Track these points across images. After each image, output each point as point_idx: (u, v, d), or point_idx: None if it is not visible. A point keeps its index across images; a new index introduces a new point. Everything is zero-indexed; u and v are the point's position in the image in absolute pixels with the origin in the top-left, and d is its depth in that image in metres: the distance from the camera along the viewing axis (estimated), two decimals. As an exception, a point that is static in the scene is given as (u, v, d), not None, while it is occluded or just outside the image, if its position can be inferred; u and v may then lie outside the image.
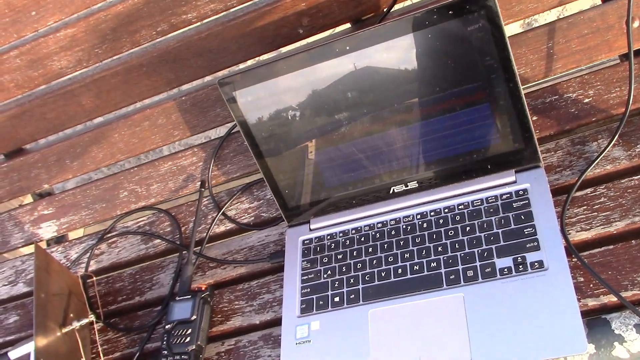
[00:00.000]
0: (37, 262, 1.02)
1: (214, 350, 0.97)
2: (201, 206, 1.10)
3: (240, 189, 1.12)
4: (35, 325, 0.94)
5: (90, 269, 1.17)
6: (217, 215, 1.10)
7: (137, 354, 1.02)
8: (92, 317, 1.01)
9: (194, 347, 0.94)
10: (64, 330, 1.01)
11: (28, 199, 1.31)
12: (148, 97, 1.12)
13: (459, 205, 0.91)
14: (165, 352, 0.95)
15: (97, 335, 1.03)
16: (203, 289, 0.99)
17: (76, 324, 1.02)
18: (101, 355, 1.02)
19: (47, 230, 1.24)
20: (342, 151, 0.96)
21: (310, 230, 1.00)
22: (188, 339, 0.94)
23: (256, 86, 0.92)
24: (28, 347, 1.01)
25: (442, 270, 0.86)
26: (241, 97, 0.93)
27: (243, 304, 1.00)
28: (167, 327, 0.97)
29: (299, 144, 0.96)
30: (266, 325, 0.96)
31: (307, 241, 0.99)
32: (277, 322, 0.95)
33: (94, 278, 1.12)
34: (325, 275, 0.94)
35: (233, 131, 1.12)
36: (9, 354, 1.01)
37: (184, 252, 1.10)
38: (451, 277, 0.85)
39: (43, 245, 1.27)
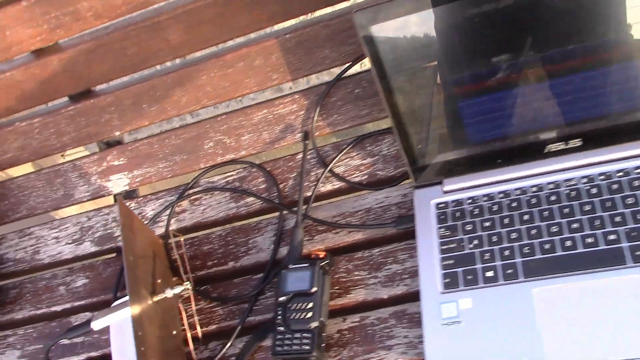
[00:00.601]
0: (122, 219, 0.88)
1: (335, 327, 0.84)
2: (306, 160, 0.96)
3: (350, 143, 0.97)
4: (130, 292, 0.81)
5: (170, 229, 1.03)
6: (323, 172, 0.96)
7: (239, 328, 0.89)
8: (188, 285, 0.88)
9: (316, 324, 0.81)
10: (156, 298, 0.88)
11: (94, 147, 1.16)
12: (245, 33, 0.97)
13: (636, 168, 0.78)
14: (282, 328, 0.82)
15: (194, 304, 0.90)
16: (321, 256, 0.85)
17: (170, 292, 0.88)
18: (198, 327, 0.89)
19: (117, 184, 1.10)
20: (492, 100, 0.81)
21: (444, 192, 0.86)
22: (309, 315, 0.81)
23: (398, 20, 0.78)
24: (113, 317, 0.87)
25: (625, 245, 0.73)
26: (378, 30, 0.79)
27: (365, 274, 0.86)
28: (280, 299, 0.84)
29: (440, 89, 0.82)
30: (396, 301, 0.83)
31: (442, 205, 0.85)
32: (410, 297, 0.82)
33: (182, 238, 0.98)
34: (470, 246, 0.80)
35: (346, 74, 0.97)
36: (92, 323, 0.87)
37: (284, 212, 0.96)
38: (637, 254, 0.72)
39: (109, 200, 1.13)
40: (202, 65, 1.00)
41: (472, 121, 0.83)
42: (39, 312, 1.05)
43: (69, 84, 1.03)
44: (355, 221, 0.92)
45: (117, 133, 1.07)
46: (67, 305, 1.04)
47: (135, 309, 0.81)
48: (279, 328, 0.82)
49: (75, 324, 0.91)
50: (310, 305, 0.81)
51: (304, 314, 0.81)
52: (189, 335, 0.88)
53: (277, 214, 0.98)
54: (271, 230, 0.96)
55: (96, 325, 0.88)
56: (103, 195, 1.11)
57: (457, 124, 0.83)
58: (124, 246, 0.85)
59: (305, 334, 0.81)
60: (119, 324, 0.89)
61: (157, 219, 1.05)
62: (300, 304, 0.82)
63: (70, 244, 1.09)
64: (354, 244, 0.90)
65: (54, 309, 1.04)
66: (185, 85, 1.01)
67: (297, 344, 0.80)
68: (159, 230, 1.04)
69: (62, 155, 1.60)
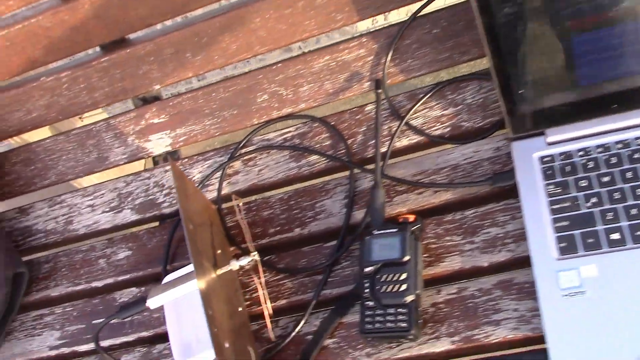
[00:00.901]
0: (177, 182, 0.76)
1: (428, 300, 0.74)
2: (380, 112, 0.84)
3: (428, 91, 0.86)
4: (195, 265, 0.70)
5: (222, 193, 0.92)
6: (399, 125, 0.85)
7: (313, 302, 0.79)
8: (255, 255, 0.77)
9: (412, 298, 0.70)
10: (220, 271, 0.77)
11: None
12: (306, -33, 0.84)
13: None
14: (371, 303, 0.71)
15: (262, 276, 0.79)
16: (411, 219, 0.74)
17: (235, 264, 0.77)
18: (268, 301, 0.78)
19: (158, 144, 0.98)
20: (611, 35, 0.70)
21: (548, 144, 0.75)
22: (404, 287, 0.70)
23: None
24: (172, 294, 0.77)
25: None
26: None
27: (459, 239, 0.76)
28: (366, 269, 0.73)
29: (549, 22, 0.70)
30: (499, 269, 0.73)
31: (548, 158, 0.74)
32: (515, 264, 0.72)
33: (241, 202, 0.86)
34: (588, 204, 0.69)
35: (421, 13, 0.85)
36: (148, 301, 0.77)
37: (355, 171, 0.85)
38: None
39: (149, 163, 1.01)
40: (255, 6, 0.88)
41: (586, 59, 0.71)
42: (77, 288, 0.94)
43: (101, 32, 0.91)
44: (440, 179, 0.80)
45: (157, 87, 0.95)
46: (110, 280, 0.93)
47: (202, 284, 0.70)
48: (367, 303, 0.72)
49: (126, 301, 0.81)
50: (404, 276, 0.71)
51: (397, 286, 0.71)
52: (265, 310, 0.77)
53: (346, 173, 0.86)
54: (341, 192, 0.85)
55: (153, 303, 0.77)
56: (142, 158, 1.00)
57: (568, 64, 0.72)
58: (183, 213, 0.74)
59: (400, 309, 0.70)
60: (173, 301, 0.79)
61: (206, 182, 0.93)
62: (391, 275, 0.71)
63: (107, 212, 0.98)
64: (442, 205, 0.79)
65: (94, 284, 0.93)
66: (235, 29, 0.89)
67: (391, 320, 0.70)
68: (209, 195, 0.93)
69: (80, 118, 1.48)
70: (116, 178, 1.00)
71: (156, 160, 1.06)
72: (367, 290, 0.72)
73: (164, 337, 0.84)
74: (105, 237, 0.98)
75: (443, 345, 0.71)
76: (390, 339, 0.72)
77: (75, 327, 0.91)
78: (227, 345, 0.69)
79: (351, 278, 0.79)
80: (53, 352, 0.91)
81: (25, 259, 1.00)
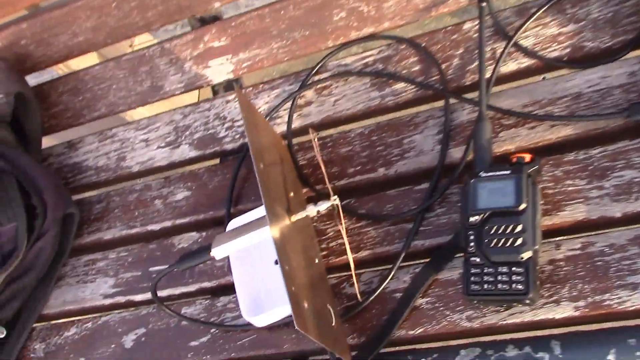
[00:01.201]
0: (245, 114, 0.65)
1: (544, 257, 0.61)
2: (483, 30, 0.70)
3: (543, 4, 0.71)
4: (267, 210, 0.59)
5: (292, 126, 0.80)
6: (506, 46, 0.71)
7: (402, 254, 0.67)
8: (336, 199, 0.65)
9: (530, 254, 0.58)
10: (294, 217, 0.66)
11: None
12: None
13: None
14: (477, 259, 0.59)
15: (342, 222, 0.67)
16: (527, 159, 0.61)
17: (312, 209, 0.66)
18: (349, 252, 0.67)
19: (218, 71, 0.87)
20: None
21: (703, 66, 0.60)
22: (519, 241, 0.58)
23: None
24: (241, 242, 0.66)
25: None
26: None
27: (583, 184, 0.62)
28: (472, 219, 0.60)
29: None
30: (636, 220, 0.60)
31: None
32: (658, 215, 0.58)
33: (316, 136, 0.74)
34: None
35: None
36: (213, 251, 0.66)
37: (451, 101, 0.72)
38: None
39: (206, 93, 0.90)
40: None
41: None
42: (132, 231, 0.85)
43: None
44: (559, 111, 0.66)
45: (217, 4, 0.82)
46: (167, 224, 0.83)
47: (275, 233, 0.59)
48: (472, 259, 0.60)
49: (187, 250, 0.71)
50: (520, 227, 0.58)
51: (512, 240, 0.58)
52: (351, 261, 0.66)
53: (439, 104, 0.73)
54: (434, 125, 0.72)
55: (218, 252, 0.67)
56: (200, 86, 0.88)
57: None
58: (253, 150, 0.62)
59: (514, 268, 0.58)
60: (240, 250, 0.69)
61: (274, 115, 0.81)
62: (503, 227, 0.59)
63: (163, 147, 0.88)
64: (561, 142, 0.66)
65: (150, 227, 0.84)
66: None
67: (504, 281, 0.58)
68: (277, 130, 0.81)
69: (130, 46, 1.37)
70: (172, 110, 0.89)
71: (216, 90, 0.94)
72: (472, 244, 0.60)
73: (228, 289, 0.74)
74: (161, 175, 0.88)
75: (564, 311, 0.59)
76: (500, 303, 0.60)
77: (130, 275, 0.82)
78: (305, 305, 0.59)
79: (447, 227, 0.67)
80: (107, 301, 0.82)
81: (75, 198, 0.92)
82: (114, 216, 0.87)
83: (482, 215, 0.60)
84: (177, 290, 0.79)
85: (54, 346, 0.83)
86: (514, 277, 0.57)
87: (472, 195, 0.61)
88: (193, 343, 0.74)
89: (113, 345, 0.79)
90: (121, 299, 0.82)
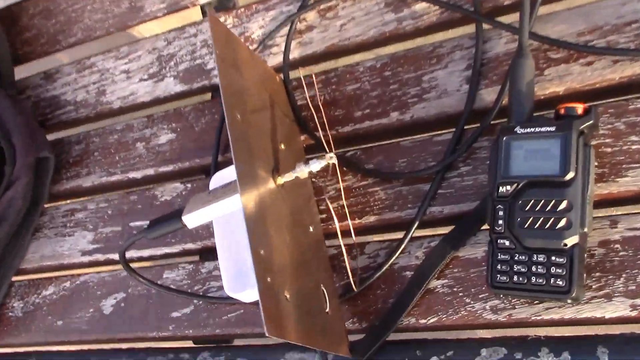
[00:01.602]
0: (218, 47, 0.51)
1: (596, 237, 0.47)
2: None
3: None
4: (239, 176, 0.46)
5: (290, 57, 0.66)
6: (559, -47, 0.54)
7: (416, 223, 0.54)
8: (332, 157, 0.52)
9: (575, 240, 0.44)
10: (281, 179, 0.53)
11: None
12: None
13: None
14: (507, 242, 0.46)
15: (341, 182, 0.55)
16: (580, 111, 0.46)
17: (303, 170, 0.53)
18: (348, 216, 0.54)
19: (205, -12, 0.72)
20: None
21: None
22: (563, 222, 0.44)
23: None
24: (214, 210, 0.54)
25: None
26: None
27: (652, 142, 0.47)
28: (502, 189, 0.47)
29: None
30: None
31: None
32: None
33: (310, 75, 0.60)
34: None
35: None
36: (185, 218, 0.55)
37: (484, 26, 0.56)
38: None
39: (195, 15, 0.76)
40: None
41: None
42: (112, 178, 0.74)
43: None
44: (625, 41, 0.50)
45: None
46: (149, 172, 0.72)
47: (251, 210, 0.47)
48: (500, 241, 0.47)
49: (158, 216, 0.60)
50: (564, 204, 0.44)
51: (553, 220, 0.45)
52: (340, 239, 0.54)
53: (469, 29, 0.58)
54: (461, 59, 0.57)
55: (191, 220, 0.55)
56: (185, 7, 0.74)
57: None
58: (226, 98, 0.49)
59: (554, 258, 0.45)
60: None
61: (269, 43, 0.67)
62: (542, 202, 0.45)
63: (145, 80, 0.75)
64: (626, 84, 0.50)
65: (131, 175, 0.73)
66: None
67: (539, 273, 0.45)
68: (272, 61, 0.67)
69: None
70: (155, 35, 0.75)
71: (205, 11, 0.80)
72: (500, 222, 0.47)
73: (214, 253, 0.63)
74: (144, 112, 0.76)
75: (617, 309, 0.46)
76: (533, 299, 0.47)
77: (110, 230, 0.72)
78: (286, 296, 0.47)
79: (473, 192, 0.53)
80: (86, 258, 0.73)
81: (54, 137, 0.81)
82: (94, 160, 0.76)
83: (515, 185, 0.46)
84: (160, 251, 0.69)
85: (32, 305, 0.75)
86: (552, 270, 0.44)
87: (503, 158, 0.47)
88: (174, 314, 0.65)
89: (92, 310, 0.70)
90: (100, 257, 0.72)
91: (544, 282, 0.44)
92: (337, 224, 0.56)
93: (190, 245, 0.67)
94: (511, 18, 0.55)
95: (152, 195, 0.71)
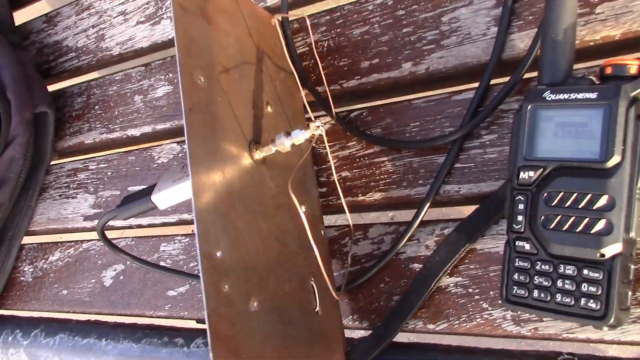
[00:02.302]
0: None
1: (651, 235, 0.36)
2: None
3: None
4: (190, 156, 0.38)
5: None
6: None
7: (427, 205, 0.44)
8: (320, 127, 0.42)
9: (619, 250, 0.32)
10: (260, 154, 0.44)
11: None
12: None
13: None
14: (527, 245, 0.35)
15: (330, 156, 0.45)
16: (634, 71, 0.34)
17: (286, 141, 0.43)
18: (342, 195, 0.45)
19: None
20: None
21: None
22: (600, 224, 0.33)
23: None
24: (183, 190, 0.46)
25: None
26: None
27: None
28: (524, 174, 0.36)
29: None
30: None
31: None
32: None
33: (299, 17, 0.50)
34: None
35: None
36: (154, 198, 0.47)
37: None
38: None
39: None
40: None
41: None
42: (112, 135, 0.68)
43: None
44: None
45: None
46: (147, 129, 0.64)
47: (207, 186, 0.38)
48: (519, 244, 0.36)
49: (130, 193, 0.52)
50: (604, 200, 0.33)
51: (588, 220, 0.33)
52: (311, 240, 0.45)
53: (502, -47, 0.45)
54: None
55: (160, 201, 0.47)
56: None
57: None
58: (179, 57, 0.40)
59: (588, 271, 0.34)
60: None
61: (268, -24, 0.56)
62: (575, 195, 0.34)
63: (143, 22, 0.66)
64: None
65: (130, 132, 0.66)
66: None
67: (566, 290, 0.34)
68: (265, 1, 0.56)
69: None
70: (147, -30, 0.66)
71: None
72: (520, 219, 0.36)
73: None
74: (143, 60, 0.67)
75: (676, 333, 0.34)
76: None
77: (109, 193, 0.66)
78: (254, 304, 0.39)
79: (497, 168, 0.42)
80: (88, 224, 0.67)
81: (58, 87, 0.74)
82: (95, 115, 0.69)
83: (541, 170, 0.35)
84: (158, 220, 0.62)
85: (41, 271, 0.71)
86: (584, 287, 0.33)
87: (527, 133, 0.36)
88: (170, 293, 0.58)
89: (93, 281, 0.65)
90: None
91: (572, 302, 0.34)
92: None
93: (186, 216, 0.59)
94: None
95: (149, 156, 0.64)
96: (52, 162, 0.73)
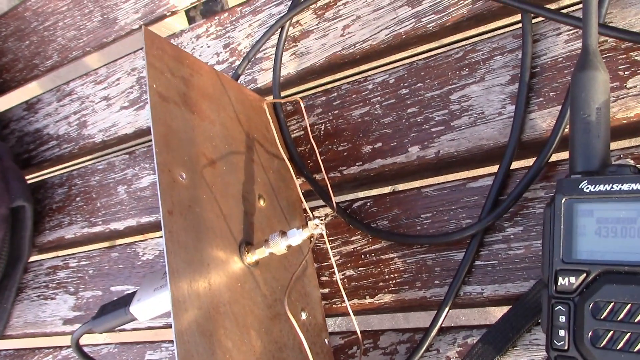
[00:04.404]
0: (155, 79, 0.37)
1: None
2: None
3: None
4: (169, 268, 0.32)
5: (284, 73, 0.51)
6: None
7: (446, 310, 0.38)
8: (319, 226, 0.36)
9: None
10: (251, 257, 0.38)
11: None
12: None
13: None
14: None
15: (331, 254, 0.39)
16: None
17: (280, 244, 0.38)
18: (347, 301, 0.39)
19: (182, -10, 0.58)
20: None
21: None
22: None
23: None
24: (161, 303, 0.40)
25: None
26: None
27: None
28: (563, 281, 0.30)
29: None
30: None
31: None
32: None
33: (296, 100, 0.45)
34: None
35: None
36: (132, 309, 0.41)
37: (534, 21, 0.39)
38: None
39: (171, 26, 0.62)
40: None
41: None
42: (94, 230, 0.62)
43: None
44: None
45: None
46: (131, 222, 0.59)
47: (189, 304, 0.32)
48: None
49: (106, 303, 0.47)
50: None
51: (647, 339, 0.27)
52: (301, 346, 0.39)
53: (512, 21, 0.40)
54: (503, 67, 0.40)
55: (140, 312, 0.41)
56: (163, 16, 0.60)
57: None
58: (156, 152, 0.35)
59: (653, 400, 0.27)
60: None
61: (258, 57, 0.52)
62: (630, 306, 0.28)
63: (127, 108, 0.62)
64: None
65: (113, 226, 0.60)
66: None
67: None
68: (263, 78, 0.52)
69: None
70: (133, 52, 0.62)
71: (191, 17, 0.65)
72: (562, 334, 0.30)
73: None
74: (126, 148, 0.63)
75: None
76: None
77: (90, 294, 0.60)
78: None
79: (525, 266, 0.37)
80: (67, 328, 0.61)
81: (37, 177, 0.70)
82: (76, 207, 0.64)
83: (583, 275, 0.29)
84: (143, 324, 0.56)
85: (16, 382, 0.64)
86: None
87: (563, 231, 0.30)
88: (156, 409, 0.52)
89: (72, 395, 0.58)
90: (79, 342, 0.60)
91: None
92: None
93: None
94: (572, 7, 0.38)
95: (133, 252, 0.58)
96: (31, 259, 0.67)
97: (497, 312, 0.37)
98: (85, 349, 0.58)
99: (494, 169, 0.39)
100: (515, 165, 0.38)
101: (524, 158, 0.38)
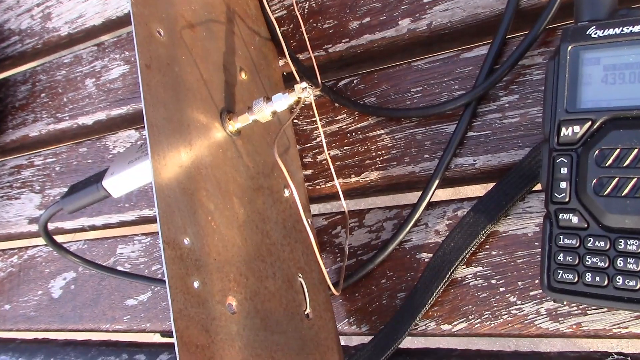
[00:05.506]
0: None
1: None
2: None
3: None
4: (147, 124, 0.30)
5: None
6: None
7: (436, 182, 0.37)
8: (305, 88, 0.34)
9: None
10: (235, 125, 0.36)
11: None
12: None
13: None
14: (574, 218, 0.28)
15: (321, 129, 0.37)
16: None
17: (263, 109, 0.36)
18: (336, 180, 0.37)
19: None
20: None
21: None
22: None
23: None
24: (139, 175, 0.38)
25: None
26: None
27: None
28: (566, 132, 0.29)
29: None
30: None
31: None
32: None
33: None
34: None
35: None
36: (105, 183, 0.39)
37: None
38: None
39: None
40: None
41: None
42: (60, 126, 0.59)
43: None
44: None
45: None
46: (101, 115, 0.56)
47: (170, 163, 0.30)
48: (563, 217, 0.29)
49: (76, 182, 0.44)
50: (675, 155, 0.26)
51: (654, 182, 0.26)
52: (308, 223, 0.38)
53: None
54: None
55: (113, 187, 0.39)
56: None
57: None
58: (132, 3, 0.32)
59: (657, 245, 0.26)
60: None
61: None
62: (636, 151, 0.27)
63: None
64: None
65: (81, 120, 0.57)
66: None
67: (628, 271, 0.27)
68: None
69: None
70: (99, -64, 0.58)
71: None
72: (563, 186, 0.29)
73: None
74: (94, 40, 0.59)
75: None
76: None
77: (57, 192, 0.57)
78: (232, 304, 0.31)
79: (520, 134, 0.35)
80: (33, 227, 0.59)
81: (1, 76, 0.66)
82: (41, 103, 0.61)
83: (588, 123, 0.28)
84: (114, 218, 0.53)
85: (-20, 284, 0.62)
86: (654, 268, 0.26)
87: (568, 80, 0.29)
88: (129, 302, 0.50)
89: (40, 292, 0.56)
90: (49, 226, 0.57)
91: (638, 286, 0.26)
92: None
93: (146, 212, 0.51)
94: None
95: (103, 146, 0.55)
96: (-7, 160, 0.64)
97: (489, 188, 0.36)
98: (53, 246, 0.56)
99: (490, 39, 0.37)
100: (511, 35, 0.37)
101: (522, 30, 0.36)
